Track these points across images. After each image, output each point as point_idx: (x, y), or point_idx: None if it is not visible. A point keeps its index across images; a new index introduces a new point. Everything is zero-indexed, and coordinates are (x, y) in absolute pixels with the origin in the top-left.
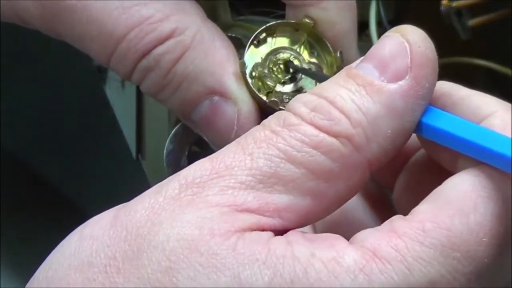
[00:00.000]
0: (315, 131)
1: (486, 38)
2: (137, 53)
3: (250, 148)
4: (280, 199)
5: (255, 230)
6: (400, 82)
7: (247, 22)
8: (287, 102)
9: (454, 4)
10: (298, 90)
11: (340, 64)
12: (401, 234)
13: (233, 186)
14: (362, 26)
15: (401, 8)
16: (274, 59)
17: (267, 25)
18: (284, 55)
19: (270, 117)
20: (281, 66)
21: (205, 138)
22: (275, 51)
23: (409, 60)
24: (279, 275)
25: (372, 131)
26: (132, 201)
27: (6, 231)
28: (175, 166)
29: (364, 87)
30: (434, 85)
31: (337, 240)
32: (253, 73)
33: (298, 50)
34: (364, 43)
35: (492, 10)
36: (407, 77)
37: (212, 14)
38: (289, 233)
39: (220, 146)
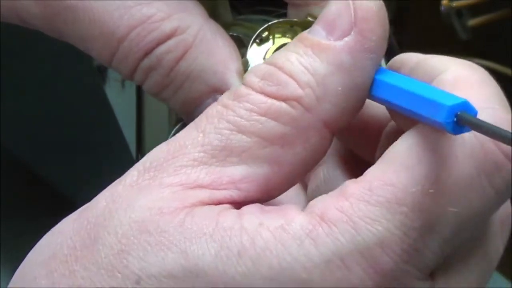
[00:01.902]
0: (263, 98)
1: (486, 38)
2: (139, 53)
3: (202, 125)
4: (235, 170)
5: (208, 204)
6: (346, 39)
7: (248, 21)
8: None
9: (454, 4)
10: None
11: None
12: (348, 196)
13: (186, 165)
14: None
15: (401, 8)
16: None
17: (270, 23)
18: None
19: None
20: None
21: None
22: (278, 50)
23: (352, 15)
24: (226, 247)
25: (321, 90)
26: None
27: (6, 231)
28: None
29: (311, 48)
30: (384, 39)
31: (290, 209)
32: None
33: None
34: None
35: (492, 10)
36: (352, 33)
37: (212, 13)
38: (247, 206)
39: None
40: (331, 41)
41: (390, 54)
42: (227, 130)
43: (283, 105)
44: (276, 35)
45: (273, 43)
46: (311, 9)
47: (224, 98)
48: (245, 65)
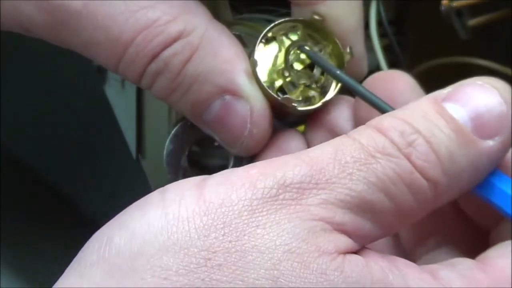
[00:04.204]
0: (411, 169)
1: (486, 38)
2: (146, 57)
3: (349, 167)
4: (365, 226)
5: (351, 252)
6: (490, 142)
7: (248, 20)
8: (317, 87)
9: (454, 4)
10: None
11: (350, 59)
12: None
13: (333, 202)
14: None
15: (401, 8)
16: (293, 56)
17: (275, 22)
18: (299, 50)
19: (363, 134)
20: (302, 60)
21: (216, 138)
22: (289, 50)
23: (504, 122)
24: None
25: (454, 183)
26: (219, 181)
27: (6, 231)
28: (175, 166)
29: (457, 135)
30: None
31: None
32: (282, 80)
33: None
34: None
35: (492, 10)
36: (496, 138)
37: (213, 13)
38: (374, 257)
39: (232, 146)
40: (476, 137)
41: (390, 53)
42: (375, 187)
43: (425, 184)
44: (281, 37)
45: (279, 47)
46: (315, 8)
47: (369, 146)
48: (253, 65)
